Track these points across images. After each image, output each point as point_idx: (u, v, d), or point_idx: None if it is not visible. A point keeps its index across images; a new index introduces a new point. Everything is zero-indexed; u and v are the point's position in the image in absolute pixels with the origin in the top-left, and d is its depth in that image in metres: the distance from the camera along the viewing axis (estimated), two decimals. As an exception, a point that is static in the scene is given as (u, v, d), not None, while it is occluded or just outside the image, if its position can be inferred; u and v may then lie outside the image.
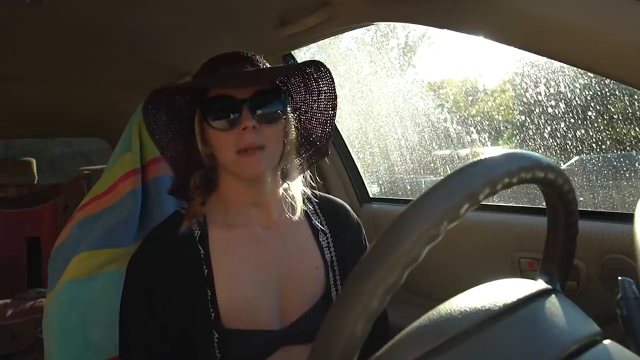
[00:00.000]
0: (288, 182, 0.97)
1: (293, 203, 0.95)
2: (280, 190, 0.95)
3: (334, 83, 0.91)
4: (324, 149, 0.98)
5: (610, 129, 1.47)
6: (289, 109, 0.90)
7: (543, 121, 1.62)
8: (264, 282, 0.87)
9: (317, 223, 0.97)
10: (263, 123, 0.83)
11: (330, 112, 0.94)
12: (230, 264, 0.86)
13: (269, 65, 0.92)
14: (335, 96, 0.93)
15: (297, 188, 0.96)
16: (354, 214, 1.05)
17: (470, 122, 2.04)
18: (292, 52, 1.60)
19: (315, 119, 0.97)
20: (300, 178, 0.98)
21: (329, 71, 0.90)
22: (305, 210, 0.96)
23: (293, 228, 0.93)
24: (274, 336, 0.85)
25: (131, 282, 0.87)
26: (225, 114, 0.82)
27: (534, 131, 1.67)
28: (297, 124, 0.95)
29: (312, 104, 0.96)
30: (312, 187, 1.03)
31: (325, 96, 0.94)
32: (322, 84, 0.92)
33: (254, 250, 0.88)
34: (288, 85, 0.95)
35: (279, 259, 0.89)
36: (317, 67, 0.89)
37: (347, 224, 1.01)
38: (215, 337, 0.81)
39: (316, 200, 1.01)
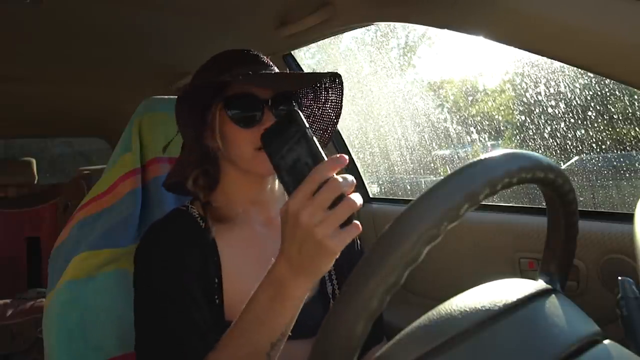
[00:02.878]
0: None
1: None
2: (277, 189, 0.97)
3: (342, 94, 0.93)
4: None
5: (610, 129, 1.47)
6: None
7: (543, 121, 1.62)
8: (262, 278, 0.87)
9: None
10: None
11: (333, 120, 0.96)
12: (233, 258, 0.87)
13: (275, 66, 0.93)
14: (341, 106, 0.95)
15: None
16: None
17: (470, 122, 2.04)
18: (292, 52, 1.60)
19: (317, 124, 0.98)
20: None
21: (342, 83, 0.92)
22: None
23: None
24: None
25: (144, 268, 0.84)
26: (249, 112, 0.84)
27: (534, 131, 1.67)
28: None
29: (315, 111, 0.98)
30: None
31: (331, 104, 0.96)
32: (332, 93, 0.94)
33: (253, 247, 0.89)
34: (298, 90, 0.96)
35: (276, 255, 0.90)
36: (332, 78, 0.91)
37: None
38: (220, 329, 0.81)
39: None
